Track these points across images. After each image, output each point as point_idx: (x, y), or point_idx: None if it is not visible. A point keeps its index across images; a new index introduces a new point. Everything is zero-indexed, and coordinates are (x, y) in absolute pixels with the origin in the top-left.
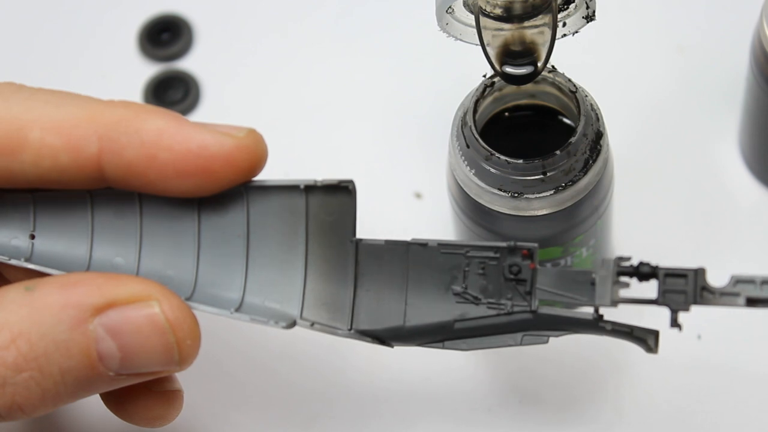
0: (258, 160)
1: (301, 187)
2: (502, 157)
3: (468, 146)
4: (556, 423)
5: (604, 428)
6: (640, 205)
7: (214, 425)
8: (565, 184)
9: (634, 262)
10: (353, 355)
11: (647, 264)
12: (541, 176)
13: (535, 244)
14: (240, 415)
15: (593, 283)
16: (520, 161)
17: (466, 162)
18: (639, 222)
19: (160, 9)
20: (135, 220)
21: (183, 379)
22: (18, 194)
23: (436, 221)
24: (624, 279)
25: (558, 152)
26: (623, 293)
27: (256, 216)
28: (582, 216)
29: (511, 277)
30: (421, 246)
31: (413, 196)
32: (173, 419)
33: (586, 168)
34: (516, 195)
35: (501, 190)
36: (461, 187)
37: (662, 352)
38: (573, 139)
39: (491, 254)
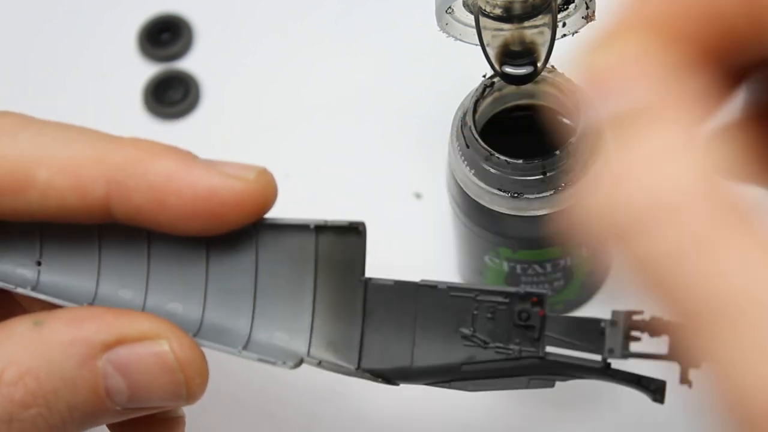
0: (267, 203)
1: (311, 227)
2: (502, 157)
3: (468, 146)
4: (556, 423)
5: (604, 428)
6: None
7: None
8: (565, 184)
9: (646, 316)
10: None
11: (660, 319)
12: (541, 176)
13: (546, 291)
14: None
15: (602, 333)
16: (520, 161)
17: (465, 162)
18: None
19: (160, 9)
20: (143, 254)
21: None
22: (25, 224)
23: (435, 221)
24: (635, 333)
25: (558, 152)
26: (634, 347)
27: (265, 254)
28: None
29: (520, 323)
30: (430, 288)
31: (413, 196)
32: None
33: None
34: (516, 195)
35: (501, 190)
36: (461, 188)
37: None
38: (573, 140)
39: (501, 299)
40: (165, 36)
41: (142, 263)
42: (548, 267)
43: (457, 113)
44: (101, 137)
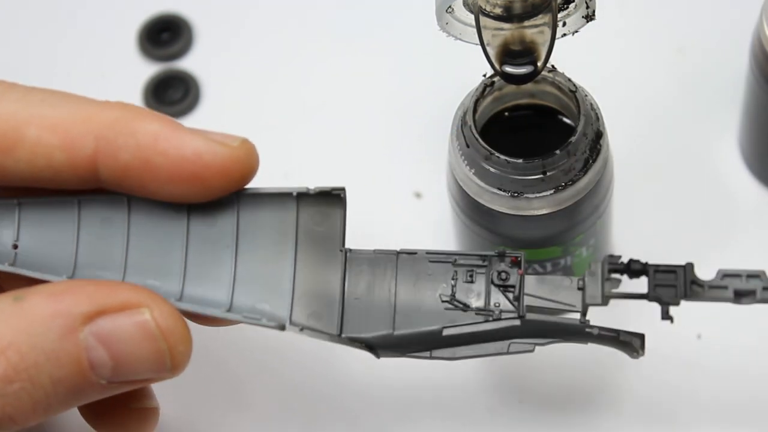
0: (249, 170)
1: (294, 194)
2: (502, 157)
3: (468, 146)
4: (556, 423)
5: (604, 428)
6: (640, 205)
7: (210, 426)
8: (565, 184)
9: (624, 259)
10: (352, 355)
11: (637, 261)
12: (541, 176)
13: (522, 252)
14: (235, 415)
15: (581, 288)
16: (520, 161)
17: (465, 161)
18: (639, 222)
19: (160, 9)
20: (123, 225)
21: (178, 379)
22: (3, 201)
23: (435, 221)
24: (615, 276)
25: (558, 152)
26: (614, 291)
27: (246, 222)
28: (582, 215)
29: (499, 283)
30: (409, 255)
31: (413, 196)
32: None
33: (586, 167)
34: (516, 194)
35: (501, 189)
36: (461, 187)
37: (662, 352)
38: (573, 139)
39: (479, 262)
40: (165, 35)
41: (122, 234)
42: (548, 267)
43: (457, 112)
44: (88, 100)
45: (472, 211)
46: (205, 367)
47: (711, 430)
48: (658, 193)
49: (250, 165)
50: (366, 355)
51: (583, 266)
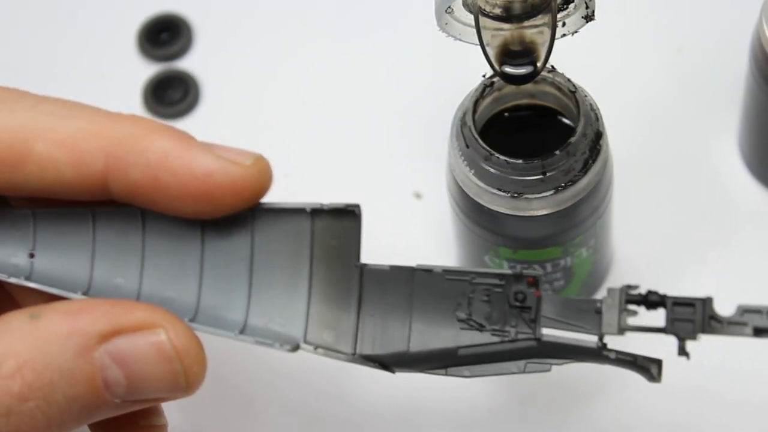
0: (262, 189)
1: (308, 210)
2: (502, 157)
3: (467, 146)
4: (556, 423)
5: (603, 428)
6: (640, 206)
7: None
8: (565, 184)
9: (642, 290)
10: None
11: (655, 293)
12: (541, 176)
13: (540, 271)
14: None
15: (598, 312)
16: (520, 161)
17: (465, 162)
18: (639, 222)
19: (160, 9)
20: (137, 240)
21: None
22: (18, 211)
23: (435, 221)
24: (632, 307)
25: (558, 152)
26: (631, 321)
27: (261, 238)
28: (582, 216)
29: (516, 304)
30: (425, 272)
31: (413, 196)
32: None
33: (585, 168)
34: (516, 195)
35: (500, 190)
36: (461, 187)
37: (662, 352)
38: (573, 139)
39: (496, 281)
40: (164, 36)
41: (136, 249)
42: (548, 267)
43: (456, 113)
44: (100, 112)
45: (471, 211)
46: (214, 385)
47: (711, 429)
48: (658, 193)
49: (262, 184)
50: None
51: (583, 266)
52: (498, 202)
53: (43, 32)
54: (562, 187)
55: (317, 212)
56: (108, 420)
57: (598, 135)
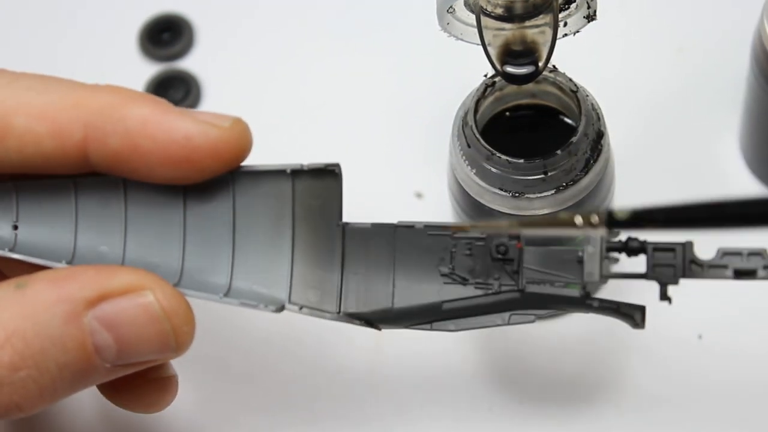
0: (243, 150)
1: (288, 171)
2: (503, 157)
3: (469, 146)
4: (556, 423)
5: (604, 428)
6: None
7: (209, 419)
8: (566, 184)
9: (623, 237)
10: (352, 352)
11: (636, 239)
12: (542, 176)
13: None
14: (234, 407)
15: (580, 261)
16: (521, 161)
17: (467, 161)
18: None
19: (161, 9)
20: (120, 207)
21: (182, 369)
22: (0, 184)
23: (436, 221)
24: (613, 255)
25: (559, 152)
26: (613, 269)
27: (243, 201)
28: None
29: (498, 256)
30: (407, 228)
31: (414, 196)
32: (168, 405)
33: (587, 168)
34: (517, 195)
35: (502, 189)
36: (462, 187)
37: (662, 352)
38: (574, 139)
39: (478, 235)
40: (166, 36)
41: (119, 217)
42: None
43: (458, 113)
44: (77, 85)
45: (473, 211)
46: (206, 360)
47: (712, 429)
48: (659, 193)
49: (242, 145)
50: (366, 354)
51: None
52: (499, 202)
53: (43, 32)
54: (563, 186)
55: (297, 173)
56: (117, 378)
57: (600, 134)
